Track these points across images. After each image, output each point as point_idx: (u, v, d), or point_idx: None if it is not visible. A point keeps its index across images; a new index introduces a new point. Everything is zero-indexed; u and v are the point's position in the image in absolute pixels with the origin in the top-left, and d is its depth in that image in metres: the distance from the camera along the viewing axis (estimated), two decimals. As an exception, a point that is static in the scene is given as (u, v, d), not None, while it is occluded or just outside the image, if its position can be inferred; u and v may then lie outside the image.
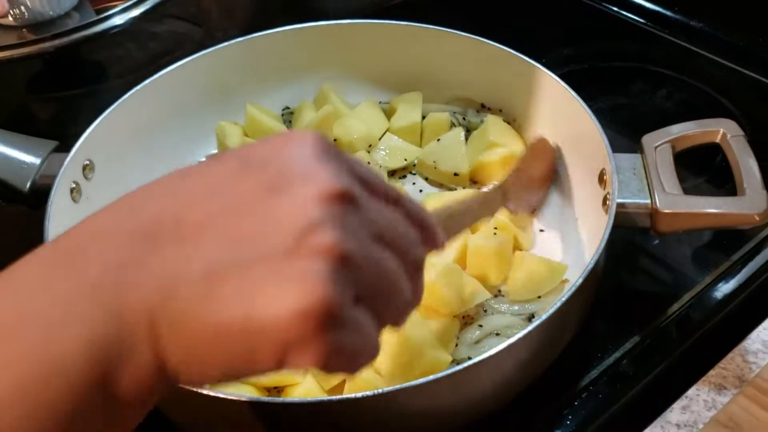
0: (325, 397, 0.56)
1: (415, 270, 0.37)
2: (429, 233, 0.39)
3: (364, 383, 0.57)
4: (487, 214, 0.63)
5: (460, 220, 0.53)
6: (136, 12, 1.05)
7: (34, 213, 0.68)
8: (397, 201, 0.37)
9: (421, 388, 0.49)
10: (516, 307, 0.67)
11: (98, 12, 1.03)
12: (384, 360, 0.58)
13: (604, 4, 1.09)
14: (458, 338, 0.64)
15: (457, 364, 0.51)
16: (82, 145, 0.70)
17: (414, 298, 0.37)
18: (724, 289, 0.69)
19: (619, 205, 0.61)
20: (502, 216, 0.72)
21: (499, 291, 0.69)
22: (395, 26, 0.84)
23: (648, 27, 1.03)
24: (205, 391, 0.51)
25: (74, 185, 0.69)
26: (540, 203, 0.75)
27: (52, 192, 0.66)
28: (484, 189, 0.68)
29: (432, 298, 0.63)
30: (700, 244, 0.74)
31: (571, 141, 0.74)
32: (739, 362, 0.62)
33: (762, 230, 0.73)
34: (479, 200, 0.60)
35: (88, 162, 0.71)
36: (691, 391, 0.60)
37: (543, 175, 0.74)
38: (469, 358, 0.51)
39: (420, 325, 0.61)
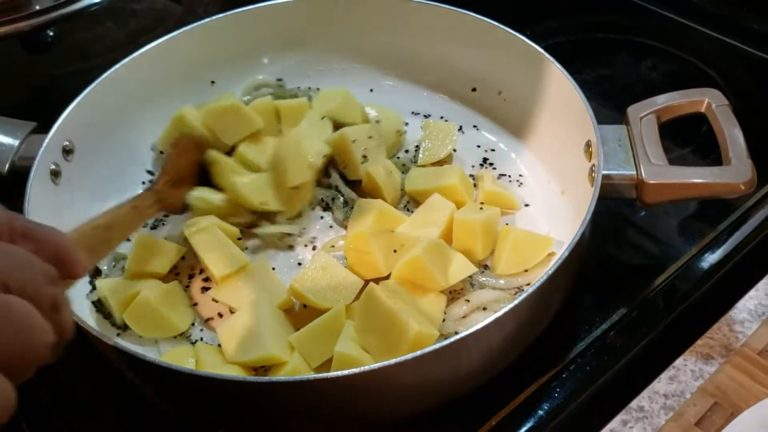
0: (311, 375, 0.56)
1: (53, 307, 0.35)
2: (65, 263, 0.38)
3: (352, 360, 0.57)
4: (142, 219, 0.65)
5: (112, 233, 0.55)
6: (114, -10, 1.03)
7: (13, 194, 0.66)
8: (25, 234, 0.36)
9: (407, 363, 0.49)
10: (503, 281, 0.66)
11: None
12: (371, 337, 0.58)
13: (588, -25, 1.08)
14: (445, 313, 0.64)
15: (445, 339, 0.51)
16: (60, 125, 0.69)
17: (60, 334, 0.35)
18: (710, 259, 0.69)
19: (605, 177, 0.61)
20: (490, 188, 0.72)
21: (486, 266, 0.68)
22: (376, 1, 0.83)
23: (632, -2, 1.03)
24: (194, 372, 0.52)
25: (54, 167, 0.68)
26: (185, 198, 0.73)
27: (31, 174, 0.65)
28: (135, 195, 0.68)
29: (417, 274, 0.62)
30: (687, 215, 0.74)
31: (557, 113, 0.73)
32: (726, 332, 0.62)
33: (747, 200, 0.73)
34: (129, 208, 0.61)
35: (67, 143, 0.70)
36: (679, 362, 0.60)
37: (190, 172, 0.73)
38: (456, 333, 0.51)
39: (406, 300, 0.61)
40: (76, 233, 0.50)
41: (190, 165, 0.73)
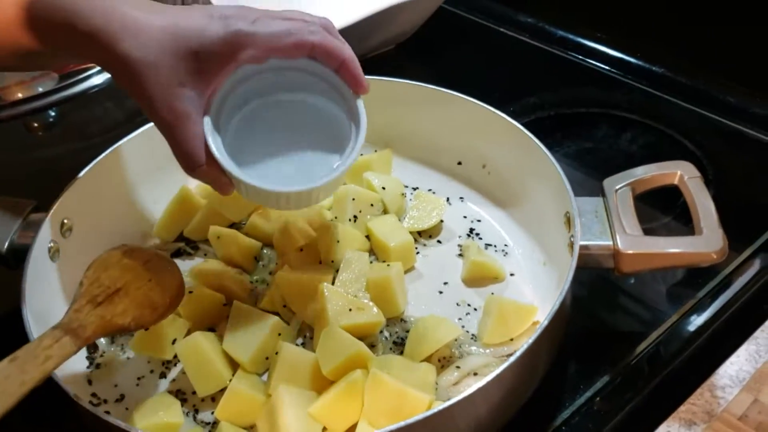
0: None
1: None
2: None
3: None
4: (41, 370, 0.52)
5: None
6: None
7: (11, 273, 0.68)
8: None
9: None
10: (489, 350, 0.68)
11: (67, 76, 1.05)
12: (372, 407, 0.60)
13: (569, 52, 1.13)
14: (437, 383, 0.65)
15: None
16: (60, 205, 0.72)
17: None
18: (692, 325, 0.71)
19: (583, 247, 0.63)
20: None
21: (473, 336, 0.70)
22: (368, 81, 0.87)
23: (611, 73, 1.07)
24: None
25: (52, 244, 0.70)
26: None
27: (31, 252, 0.67)
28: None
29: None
30: (673, 283, 0.76)
31: (538, 185, 0.76)
32: (708, 397, 0.63)
33: (726, 267, 0.75)
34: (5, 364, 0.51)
35: (66, 221, 0.72)
36: (662, 428, 0.61)
37: (123, 283, 0.63)
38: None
39: (402, 369, 0.63)
40: None
41: (119, 277, 0.63)
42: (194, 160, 0.60)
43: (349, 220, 0.79)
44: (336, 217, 0.80)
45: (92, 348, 0.71)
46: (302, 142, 0.66)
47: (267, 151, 0.65)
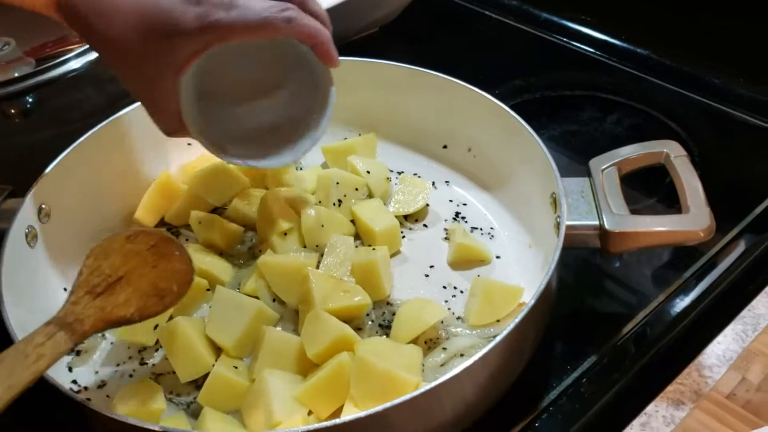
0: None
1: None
2: None
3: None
4: (33, 368, 0.49)
5: None
6: (92, 56, 1.05)
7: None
8: None
9: (380, 414, 0.49)
10: (476, 332, 0.67)
11: (44, 60, 1.03)
12: (358, 390, 0.59)
13: (554, 35, 1.12)
14: (424, 364, 0.64)
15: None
16: (37, 189, 0.70)
17: None
18: (679, 305, 0.71)
19: (569, 227, 0.63)
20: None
21: (459, 317, 0.69)
22: (349, 63, 0.86)
23: (597, 56, 1.07)
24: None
25: (29, 230, 0.68)
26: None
27: (7, 237, 0.65)
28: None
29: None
30: (656, 263, 0.76)
31: (524, 167, 0.76)
32: (696, 377, 0.63)
33: (713, 247, 0.75)
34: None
35: (44, 206, 0.71)
36: (650, 408, 0.61)
37: (124, 272, 0.59)
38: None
39: (389, 352, 0.62)
40: None
41: (121, 265, 0.59)
42: (169, 129, 0.63)
43: (334, 204, 0.78)
44: (320, 201, 0.79)
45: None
46: (270, 94, 0.69)
47: (236, 100, 0.69)
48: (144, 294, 0.59)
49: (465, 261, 0.75)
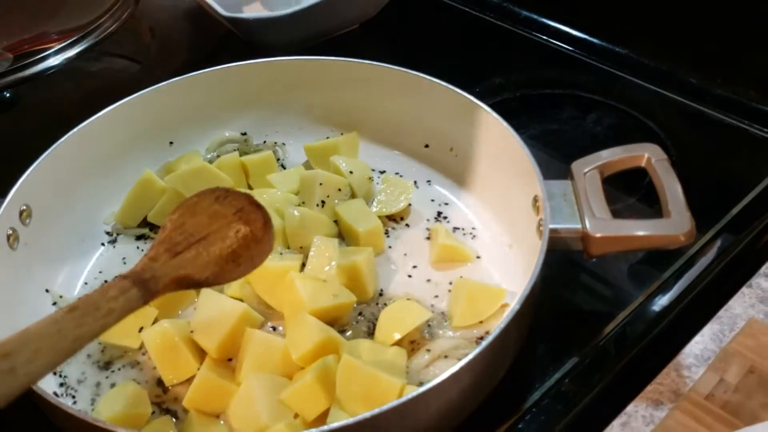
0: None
1: None
2: None
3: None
4: (105, 320, 0.47)
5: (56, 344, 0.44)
6: (71, 52, 1.04)
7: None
8: None
9: (369, 420, 0.50)
10: (459, 333, 0.68)
11: (23, 56, 1.01)
12: (344, 392, 0.59)
13: (533, 33, 1.12)
14: (408, 366, 0.65)
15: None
16: (17, 190, 0.69)
17: None
18: (657, 305, 0.72)
19: (552, 231, 0.64)
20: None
21: (443, 317, 0.70)
22: (330, 62, 0.86)
23: (575, 54, 1.07)
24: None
25: (11, 232, 0.68)
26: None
27: (-12, 240, 0.65)
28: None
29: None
30: (635, 262, 0.77)
31: (505, 168, 0.76)
32: (674, 377, 0.64)
33: (690, 247, 0.76)
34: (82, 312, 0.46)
35: (24, 207, 0.70)
36: (630, 408, 0.62)
37: (207, 231, 0.58)
38: (421, 383, 0.52)
39: (373, 354, 0.63)
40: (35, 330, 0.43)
41: (206, 225, 0.57)
42: None
43: (317, 205, 0.78)
44: (304, 202, 0.79)
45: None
46: None
47: None
48: (222, 259, 0.56)
49: (447, 261, 0.76)
